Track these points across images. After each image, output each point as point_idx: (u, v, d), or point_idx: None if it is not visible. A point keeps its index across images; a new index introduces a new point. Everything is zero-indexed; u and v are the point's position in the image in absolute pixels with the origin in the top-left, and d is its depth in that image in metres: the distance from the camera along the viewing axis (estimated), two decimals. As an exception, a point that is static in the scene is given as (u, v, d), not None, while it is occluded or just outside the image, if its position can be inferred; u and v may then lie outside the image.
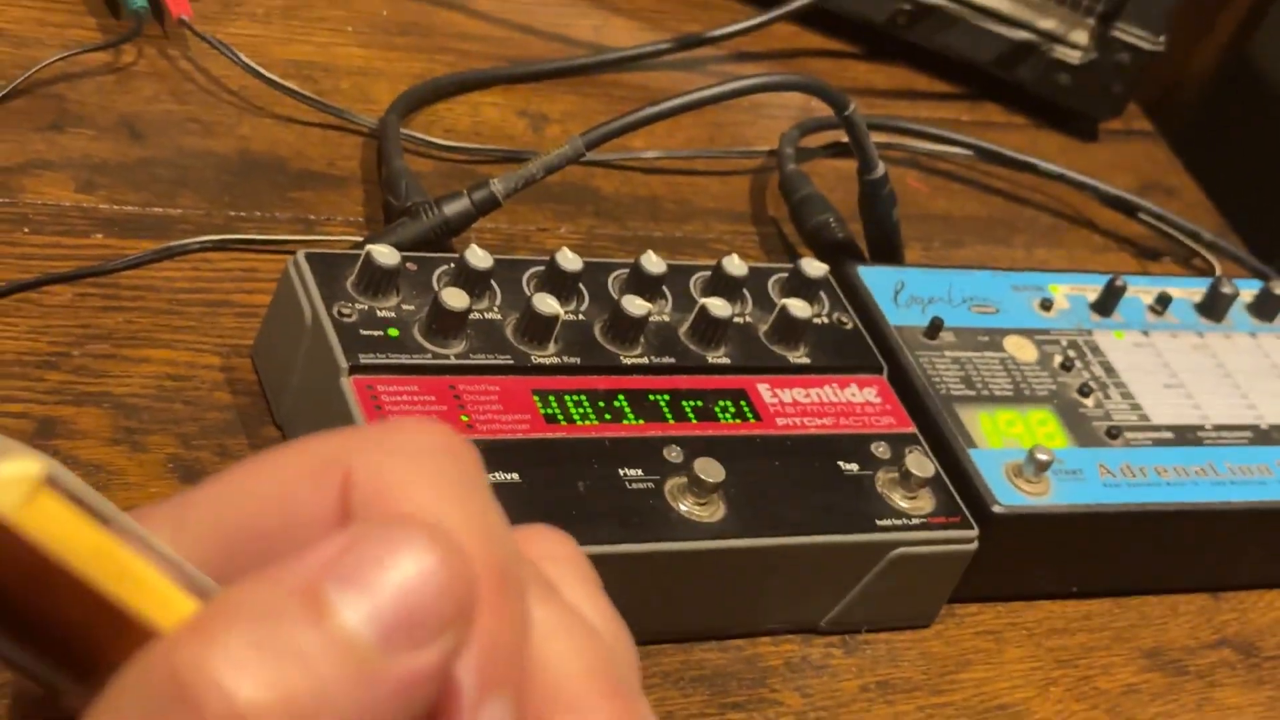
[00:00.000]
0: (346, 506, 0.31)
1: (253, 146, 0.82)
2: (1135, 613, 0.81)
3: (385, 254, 0.69)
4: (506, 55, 0.95)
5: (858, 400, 0.76)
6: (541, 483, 0.66)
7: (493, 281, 0.72)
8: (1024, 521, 0.75)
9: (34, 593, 0.28)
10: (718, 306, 0.74)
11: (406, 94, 0.88)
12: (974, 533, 0.73)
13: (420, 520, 0.29)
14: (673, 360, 0.73)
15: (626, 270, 0.75)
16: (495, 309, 0.71)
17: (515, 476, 0.66)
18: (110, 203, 0.76)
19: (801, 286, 0.78)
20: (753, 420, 0.73)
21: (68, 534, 0.28)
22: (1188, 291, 0.91)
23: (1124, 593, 0.81)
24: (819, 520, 0.70)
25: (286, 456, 0.32)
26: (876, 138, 0.90)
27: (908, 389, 0.78)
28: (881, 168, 0.88)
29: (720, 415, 0.72)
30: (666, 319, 0.75)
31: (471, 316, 0.70)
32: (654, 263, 0.74)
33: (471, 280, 0.70)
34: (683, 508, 0.68)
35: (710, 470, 0.68)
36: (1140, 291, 0.89)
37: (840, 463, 0.73)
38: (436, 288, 0.70)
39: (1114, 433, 0.80)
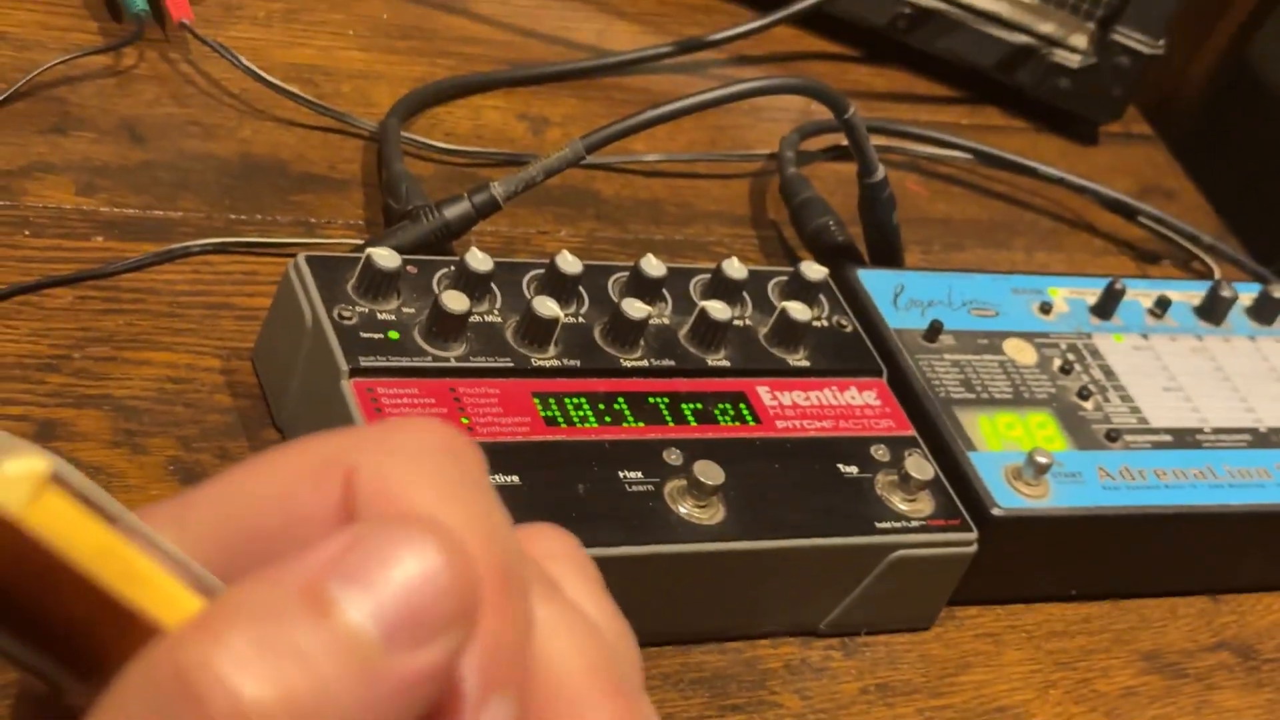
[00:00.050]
0: (348, 506, 0.31)
1: (253, 150, 0.82)
2: (1134, 615, 0.81)
3: (386, 257, 0.69)
4: (507, 58, 0.95)
5: (857, 403, 0.76)
6: (541, 485, 0.66)
7: (493, 284, 0.72)
8: (1023, 524, 0.75)
9: (39, 590, 0.28)
10: (717, 309, 0.74)
11: (407, 97, 0.88)
12: (973, 535, 0.73)
13: (423, 519, 0.29)
14: (672, 363, 0.73)
15: (626, 273, 0.75)
16: (495, 312, 0.71)
17: (515, 479, 0.66)
18: (111, 205, 0.76)
19: (801, 289, 0.78)
20: (752, 423, 0.73)
21: (73, 531, 0.28)
22: (1187, 295, 0.91)
23: (1123, 595, 0.81)
24: (818, 523, 0.70)
25: (288, 456, 0.32)
26: (876, 141, 0.90)
27: (907, 392, 0.78)
28: (881, 171, 0.88)
29: (720, 418, 0.72)
30: (666, 322, 0.75)
31: (472, 319, 0.70)
32: (654, 266, 0.74)
33: (472, 283, 0.70)
34: (682, 510, 0.68)
35: (710, 473, 0.68)
36: (1139, 295, 0.89)
37: (840, 465, 0.73)
38: (437, 290, 0.70)
39: (1113, 436, 0.80)
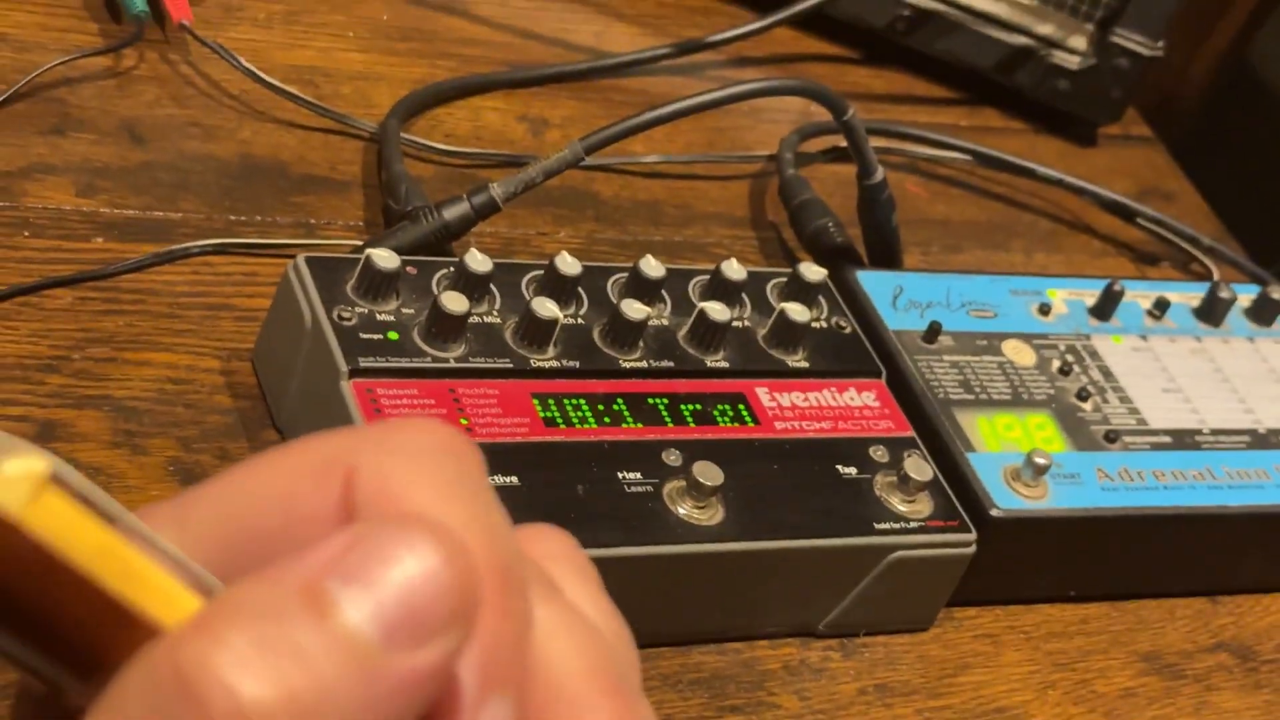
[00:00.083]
0: (348, 506, 0.31)
1: (253, 151, 0.82)
2: (1133, 616, 0.81)
3: (385, 258, 0.69)
4: (507, 60, 0.95)
5: (856, 404, 0.76)
6: (541, 486, 0.66)
7: (492, 285, 0.72)
8: (1022, 525, 0.75)
9: (38, 590, 0.28)
10: (717, 311, 0.74)
11: (407, 99, 0.88)
12: (972, 536, 0.73)
13: (423, 519, 0.29)
14: (671, 364, 0.73)
15: (625, 274, 0.75)
16: (495, 313, 0.71)
17: (514, 480, 0.66)
18: (111, 207, 0.76)
19: (800, 291, 0.78)
20: (751, 424, 0.73)
21: (73, 532, 0.28)
22: (1186, 296, 0.91)
23: (1122, 596, 0.81)
24: (817, 524, 0.70)
25: (288, 456, 0.32)
26: (875, 143, 0.90)
27: (906, 393, 0.78)
28: (880, 172, 0.88)
29: (719, 419, 0.72)
30: (665, 323, 0.75)
31: (471, 320, 0.70)
32: (653, 267, 0.74)
33: (471, 284, 0.71)
34: (681, 511, 0.68)
35: (709, 474, 0.68)
36: (1138, 296, 0.89)
37: (839, 466, 0.73)
38: (436, 291, 0.70)
39: (1112, 437, 0.80)
